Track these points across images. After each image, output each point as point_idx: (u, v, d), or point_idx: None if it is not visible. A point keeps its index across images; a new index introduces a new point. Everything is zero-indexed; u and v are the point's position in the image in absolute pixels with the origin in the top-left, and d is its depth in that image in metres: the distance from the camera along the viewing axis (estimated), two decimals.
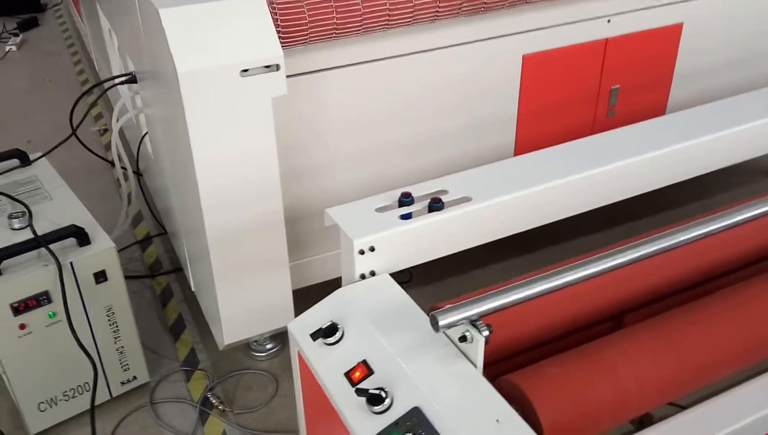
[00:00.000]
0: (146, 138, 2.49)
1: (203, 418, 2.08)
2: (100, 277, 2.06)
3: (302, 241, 2.05)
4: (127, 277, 2.10)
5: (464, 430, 0.99)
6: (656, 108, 2.47)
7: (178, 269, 2.65)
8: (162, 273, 2.67)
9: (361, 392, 1.09)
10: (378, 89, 1.97)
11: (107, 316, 2.08)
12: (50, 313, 1.98)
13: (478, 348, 1.10)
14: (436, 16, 1.87)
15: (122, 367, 2.15)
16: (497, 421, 1.02)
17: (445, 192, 1.40)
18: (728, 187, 2.84)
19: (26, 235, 2.06)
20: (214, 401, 2.10)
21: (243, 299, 1.90)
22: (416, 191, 1.39)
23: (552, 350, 1.23)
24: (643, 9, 2.28)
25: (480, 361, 1.10)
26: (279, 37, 1.67)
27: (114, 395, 2.16)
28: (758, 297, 1.28)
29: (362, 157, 2.04)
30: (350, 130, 1.99)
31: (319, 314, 1.26)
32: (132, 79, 2.32)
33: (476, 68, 2.10)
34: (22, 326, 1.94)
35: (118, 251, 2.04)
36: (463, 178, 1.44)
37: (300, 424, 1.39)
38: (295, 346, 1.27)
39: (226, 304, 1.88)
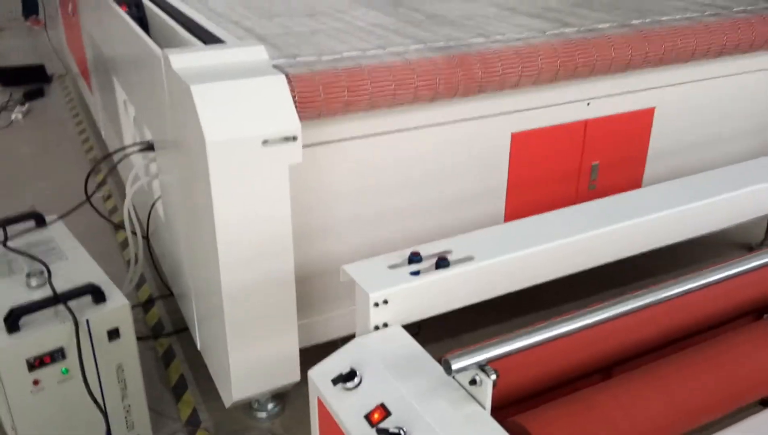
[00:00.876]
0: (158, 203, 2.62)
1: None
2: (114, 334, 2.15)
3: (307, 302, 2.18)
4: None
5: None
6: (633, 182, 2.67)
7: (180, 331, 2.74)
8: (165, 334, 2.76)
9: (381, 432, 1.21)
10: (382, 159, 2.16)
11: (117, 373, 2.15)
12: (63, 369, 2.05)
13: (486, 390, 1.23)
14: (436, 95, 2.07)
15: (127, 426, 2.20)
16: None
17: (449, 252, 1.55)
18: (702, 260, 3.03)
19: (43, 293, 2.16)
20: None
21: (253, 356, 2.01)
22: (424, 250, 1.55)
23: (555, 395, 1.36)
24: (618, 94, 2.51)
25: (488, 402, 1.23)
26: (296, 111, 1.84)
27: None
28: (737, 348, 1.43)
29: (367, 221, 2.20)
30: (357, 195, 2.16)
31: (337, 362, 1.39)
32: (149, 147, 2.48)
33: (470, 143, 2.30)
34: (36, 382, 2.00)
35: None
36: (466, 239, 1.59)
37: None
38: (314, 392, 1.39)
39: (237, 360, 1.98)
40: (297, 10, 2.76)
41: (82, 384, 2.03)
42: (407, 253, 1.54)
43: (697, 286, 1.55)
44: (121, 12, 2.45)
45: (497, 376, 1.22)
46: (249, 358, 2.00)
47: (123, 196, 2.84)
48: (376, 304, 1.43)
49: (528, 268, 1.58)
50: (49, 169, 4.18)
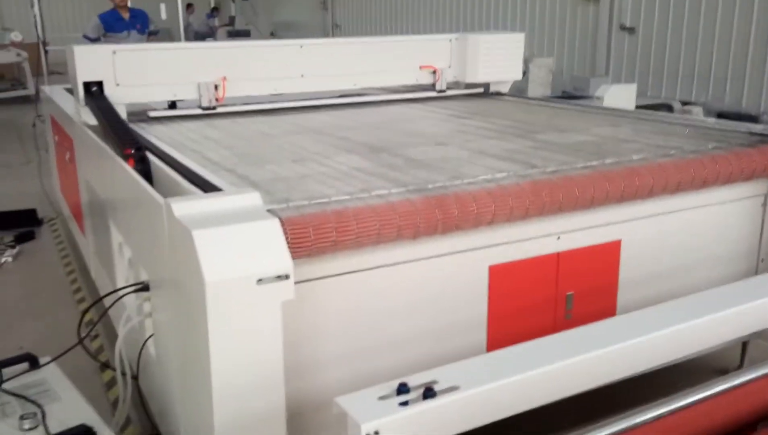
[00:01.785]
0: (149, 341, 2.69)
1: None
2: None
3: None
4: None
5: None
6: (607, 311, 2.81)
7: None
8: None
9: None
10: (369, 294, 2.29)
11: None
12: None
13: None
14: (418, 233, 2.24)
15: None
16: None
17: (436, 382, 1.65)
18: (681, 386, 3.11)
19: None
20: None
21: None
22: (412, 381, 1.64)
23: None
24: (586, 228, 2.70)
25: None
26: (289, 251, 1.99)
27: None
28: None
29: (356, 353, 2.29)
30: (346, 329, 2.27)
31: None
32: (144, 287, 2.59)
33: (451, 277, 2.44)
34: None
35: None
36: (451, 369, 1.70)
37: None
38: None
39: None
40: (285, 157, 2.99)
41: None
42: (396, 384, 1.63)
43: (686, 404, 1.67)
44: (124, 164, 2.64)
45: None
46: None
47: (110, 336, 2.92)
48: None
49: (513, 396, 1.67)
50: (39, 311, 4.24)
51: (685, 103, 7.37)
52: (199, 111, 4.02)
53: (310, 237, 2.07)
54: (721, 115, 6.83)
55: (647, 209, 2.80)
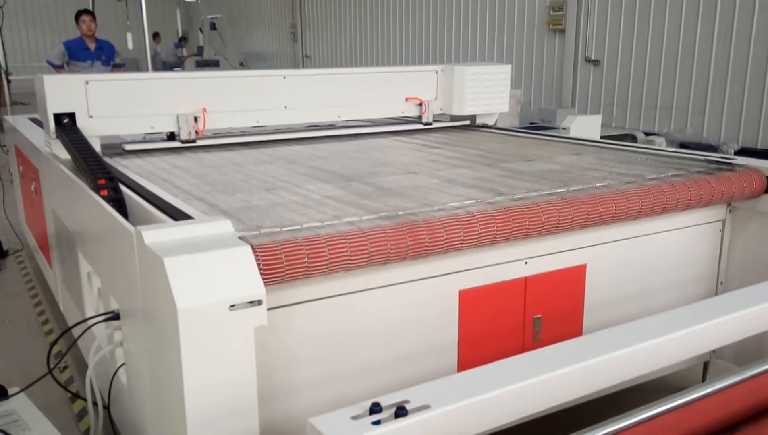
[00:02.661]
0: (120, 370, 2.68)
1: None
2: None
3: None
4: None
5: None
6: (574, 333, 2.87)
7: None
8: None
9: None
10: (341, 319, 2.32)
11: None
12: None
13: None
14: (388, 259, 2.28)
15: None
16: None
17: (407, 401, 1.68)
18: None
19: None
20: None
21: None
22: (384, 401, 1.67)
23: None
24: (552, 253, 2.77)
25: None
26: (261, 278, 2.01)
27: None
28: None
29: (328, 377, 2.32)
30: (318, 353, 2.29)
31: None
32: (115, 317, 2.59)
33: (421, 301, 2.49)
34: None
35: None
36: (422, 389, 1.73)
37: None
38: None
39: None
40: (256, 185, 3.02)
41: None
42: (368, 404, 1.66)
43: (657, 413, 1.72)
44: (93, 193, 2.65)
45: None
46: None
47: (80, 366, 2.89)
48: None
49: (484, 413, 1.71)
50: (6, 343, 4.17)
51: (648, 134, 7.58)
52: (177, 144, 3.93)
53: (282, 264, 2.10)
54: (683, 146, 7.05)
55: (611, 235, 2.89)
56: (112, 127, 3.70)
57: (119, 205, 2.55)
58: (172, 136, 3.99)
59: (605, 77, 8.88)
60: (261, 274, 2.02)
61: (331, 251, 2.17)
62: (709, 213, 3.14)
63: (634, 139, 7.34)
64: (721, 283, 3.27)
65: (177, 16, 25.30)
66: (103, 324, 2.69)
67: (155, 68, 16.84)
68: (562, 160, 3.56)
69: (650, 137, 7.33)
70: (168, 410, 2.09)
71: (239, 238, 2.12)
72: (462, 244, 2.41)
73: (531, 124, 7.40)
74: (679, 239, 3.11)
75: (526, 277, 2.72)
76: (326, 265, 2.17)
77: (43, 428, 2.40)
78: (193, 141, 3.93)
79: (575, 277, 2.86)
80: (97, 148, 3.51)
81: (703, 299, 3.17)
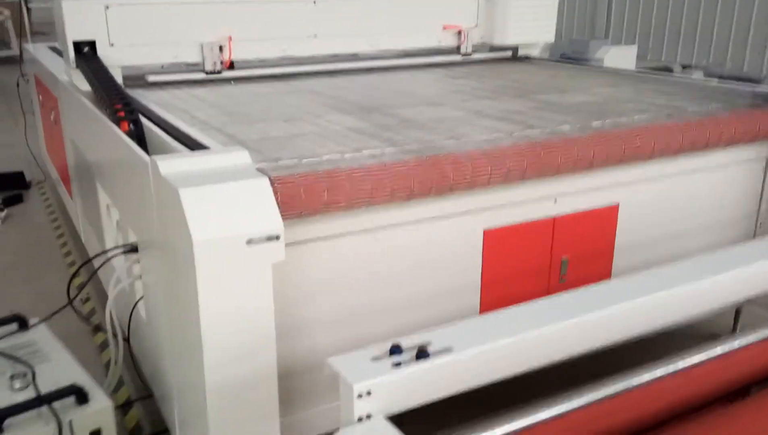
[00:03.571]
0: (140, 303, 2.66)
1: None
2: None
3: (287, 399, 2.20)
4: None
5: None
6: (602, 276, 2.77)
7: (159, 433, 2.72)
8: None
9: None
10: (360, 257, 2.24)
11: None
12: None
13: None
14: (411, 195, 2.18)
15: None
16: None
17: (429, 343, 1.61)
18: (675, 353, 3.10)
19: (26, 395, 2.17)
20: None
21: None
22: (405, 342, 1.60)
23: None
24: (583, 192, 2.64)
25: None
26: (279, 212, 1.94)
27: None
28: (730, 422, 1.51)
29: (347, 316, 2.26)
30: (337, 292, 2.23)
31: None
32: (133, 249, 2.54)
33: (445, 240, 2.40)
34: None
35: None
36: (445, 331, 1.66)
37: None
38: None
39: None
40: (275, 116, 2.92)
41: None
42: (388, 345, 1.60)
43: (681, 369, 1.65)
44: (111, 124, 2.57)
45: None
46: None
47: (101, 299, 2.87)
48: (360, 396, 1.47)
49: (506, 358, 1.64)
50: (29, 275, 4.19)
51: (685, 67, 7.27)
52: (202, 75, 3.68)
53: (301, 197, 2.01)
54: (722, 79, 6.73)
55: (646, 173, 2.75)
56: (134, 56, 3.50)
57: (139, 136, 2.47)
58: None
59: (642, 5, 8.48)
60: (279, 208, 1.94)
61: (352, 185, 2.08)
62: (751, 150, 2.97)
63: (670, 72, 7.05)
64: (761, 224, 3.13)
65: None
66: (123, 257, 2.66)
67: None
68: (598, 91, 3.38)
69: (687, 70, 7.03)
70: (186, 345, 2.06)
71: (257, 169, 2.04)
72: (489, 180, 2.30)
73: (562, 56, 7.10)
74: (719, 178, 2.95)
75: (554, 217, 2.60)
76: (347, 199, 2.08)
77: (62, 359, 2.39)
78: (219, 72, 3.71)
79: (607, 217, 2.74)
80: (119, 80, 3.37)
81: (741, 241, 3.07)
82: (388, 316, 2.34)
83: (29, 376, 2.25)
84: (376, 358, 1.57)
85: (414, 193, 2.18)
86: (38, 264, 4.35)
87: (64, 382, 2.21)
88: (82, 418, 2.12)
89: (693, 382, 1.88)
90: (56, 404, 2.12)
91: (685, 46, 7.87)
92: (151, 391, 2.80)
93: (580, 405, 1.43)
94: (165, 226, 2.06)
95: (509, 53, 4.56)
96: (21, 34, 8.95)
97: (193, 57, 3.64)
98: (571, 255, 2.67)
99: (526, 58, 4.60)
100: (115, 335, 2.70)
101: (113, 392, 2.98)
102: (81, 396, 2.16)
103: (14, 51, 10.85)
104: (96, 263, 2.83)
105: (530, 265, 2.59)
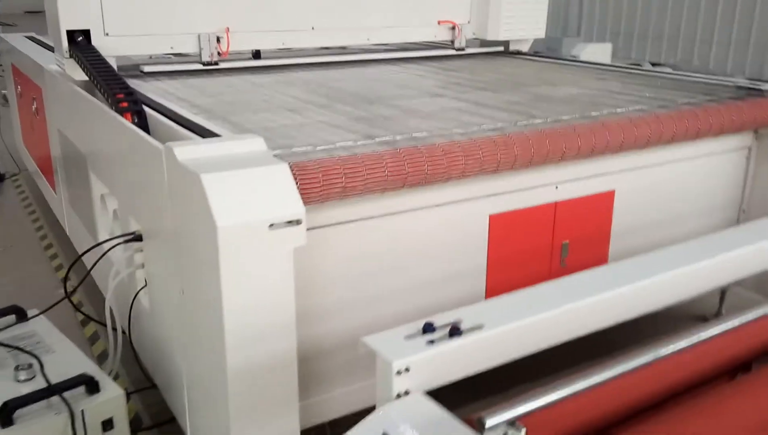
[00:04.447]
0: (141, 293, 2.63)
1: None
2: (108, 425, 2.13)
3: (303, 383, 2.21)
4: None
5: None
6: (600, 260, 2.85)
7: (160, 424, 2.70)
8: (144, 428, 2.70)
9: None
10: (375, 242, 2.27)
11: None
12: None
13: None
14: (424, 180, 2.21)
15: None
16: None
17: (460, 321, 1.64)
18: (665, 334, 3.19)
19: (32, 386, 2.14)
20: None
21: None
22: (437, 321, 1.63)
23: None
24: (582, 178, 2.71)
25: None
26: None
27: None
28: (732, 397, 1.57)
29: (360, 301, 2.29)
30: (354, 276, 2.26)
31: (368, 429, 1.43)
32: (136, 238, 2.52)
33: (453, 225, 2.44)
34: None
35: None
36: (473, 309, 1.70)
37: None
38: None
39: None
40: (278, 106, 2.91)
41: None
42: (420, 323, 1.62)
43: (680, 349, 1.72)
44: (113, 113, 2.53)
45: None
46: None
47: (88, 289, 2.83)
48: (398, 373, 1.49)
49: (534, 334, 1.68)
50: (10, 267, 4.10)
51: (654, 65, 7.44)
52: (198, 66, 3.63)
53: (320, 182, 2.03)
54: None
55: (640, 160, 2.83)
56: (130, 46, 3.41)
57: (142, 124, 2.44)
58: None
59: (612, 5, 8.66)
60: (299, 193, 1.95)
61: (369, 171, 2.10)
62: (736, 139, 3.09)
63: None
64: (744, 211, 3.24)
65: None
66: (120, 248, 2.63)
67: None
68: (588, 84, 3.46)
69: (657, 67, 7.20)
70: (202, 330, 2.05)
71: (274, 156, 2.04)
72: (498, 166, 2.35)
73: (535, 53, 7.21)
74: (706, 166, 3.06)
75: (556, 202, 2.66)
76: (363, 185, 2.10)
77: (67, 349, 2.36)
78: (215, 63, 3.64)
79: (604, 202, 2.82)
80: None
81: (726, 226, 3.18)
82: (398, 301, 2.37)
83: (34, 367, 2.21)
84: (409, 337, 1.60)
85: (427, 178, 2.21)
86: (19, 256, 4.26)
87: (71, 373, 2.18)
88: (94, 407, 2.11)
89: (698, 359, 1.95)
90: (66, 394, 2.10)
91: (654, 44, 8.06)
92: (152, 382, 2.77)
93: (586, 386, 1.49)
94: (179, 213, 2.05)
95: (501, 48, 4.65)
96: None
97: (190, 48, 3.57)
98: (572, 239, 2.74)
99: (518, 53, 4.68)
100: (114, 329, 2.68)
101: None
102: (92, 385, 2.14)
103: None
104: (90, 256, 2.79)
105: (533, 249, 2.65)
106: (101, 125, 2.75)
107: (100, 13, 3.27)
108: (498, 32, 4.39)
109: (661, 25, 7.98)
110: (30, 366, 2.20)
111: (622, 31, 8.36)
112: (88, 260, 2.83)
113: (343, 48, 4.26)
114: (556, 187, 2.65)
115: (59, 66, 3.37)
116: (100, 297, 3.19)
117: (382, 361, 1.51)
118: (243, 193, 1.87)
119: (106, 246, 2.63)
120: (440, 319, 1.65)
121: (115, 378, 2.99)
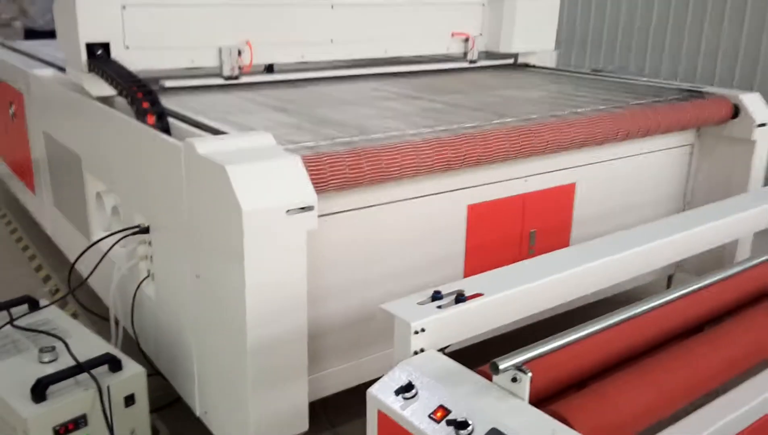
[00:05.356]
0: (144, 283, 2.79)
1: None
2: (130, 400, 2.31)
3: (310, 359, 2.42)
4: None
5: None
6: (562, 245, 3.14)
7: (161, 408, 2.85)
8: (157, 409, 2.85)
9: (450, 423, 1.50)
10: (362, 230, 2.52)
11: None
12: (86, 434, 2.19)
13: (525, 386, 1.56)
14: (417, 172, 2.47)
15: None
16: (553, 431, 1.47)
17: (464, 290, 1.90)
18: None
19: (55, 367, 2.29)
20: None
21: (269, 409, 2.21)
22: (443, 290, 1.89)
23: (583, 387, 1.75)
24: (546, 172, 3.02)
25: (527, 395, 1.56)
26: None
27: None
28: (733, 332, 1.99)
29: (351, 283, 2.53)
30: (354, 259, 2.50)
31: (392, 380, 1.67)
32: (143, 230, 2.69)
33: (436, 214, 2.70)
34: None
35: None
36: (473, 280, 1.96)
37: None
38: (374, 407, 1.66)
39: (256, 413, 2.18)
40: (268, 105, 3.13)
41: None
42: (430, 292, 1.87)
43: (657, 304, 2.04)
44: (117, 113, 2.70)
45: (531, 374, 1.56)
46: (266, 412, 2.20)
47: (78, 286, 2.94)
48: (416, 332, 1.74)
49: (526, 300, 1.96)
50: None
51: (594, 70, 7.90)
52: (220, 80, 3.47)
53: (326, 173, 2.26)
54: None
55: (597, 156, 3.16)
56: (150, 60, 3.24)
57: (164, 125, 2.62)
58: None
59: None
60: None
61: (369, 165, 2.34)
62: (681, 137, 3.46)
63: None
64: (688, 202, 3.62)
65: None
66: (120, 243, 2.78)
67: None
68: (548, 87, 3.78)
69: (596, 72, 7.63)
70: (219, 311, 2.24)
71: (285, 149, 2.26)
72: (478, 160, 2.62)
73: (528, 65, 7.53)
74: (655, 161, 3.41)
75: (524, 194, 2.96)
76: (366, 176, 2.34)
77: (83, 333, 2.50)
78: (236, 77, 3.50)
79: (566, 194, 3.13)
80: None
81: (673, 214, 3.54)
82: (385, 284, 2.61)
83: (57, 349, 2.35)
84: (421, 303, 1.84)
85: (420, 170, 2.47)
86: None
87: (91, 354, 2.33)
88: (118, 384, 2.27)
89: (658, 320, 2.26)
90: (93, 372, 2.26)
91: (593, 51, 8.55)
92: (155, 368, 2.93)
93: (580, 336, 1.77)
94: (197, 203, 2.25)
95: (511, 60, 4.61)
96: None
97: (211, 61, 3.43)
98: (538, 228, 3.04)
99: (525, 66, 4.69)
100: (117, 322, 2.84)
101: None
102: (115, 364, 2.31)
103: None
104: (101, 247, 2.93)
105: (506, 236, 2.93)
106: (109, 127, 2.90)
107: (121, 26, 3.11)
108: (510, 44, 4.37)
109: (598, 34, 8.48)
110: (53, 348, 2.35)
111: (564, 40, 8.82)
112: (83, 258, 2.94)
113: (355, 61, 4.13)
114: (525, 180, 2.94)
115: (75, 79, 3.20)
116: (89, 291, 3.32)
117: (401, 322, 1.75)
118: (263, 183, 2.09)
119: (111, 240, 2.78)
120: (446, 289, 1.90)
121: None
